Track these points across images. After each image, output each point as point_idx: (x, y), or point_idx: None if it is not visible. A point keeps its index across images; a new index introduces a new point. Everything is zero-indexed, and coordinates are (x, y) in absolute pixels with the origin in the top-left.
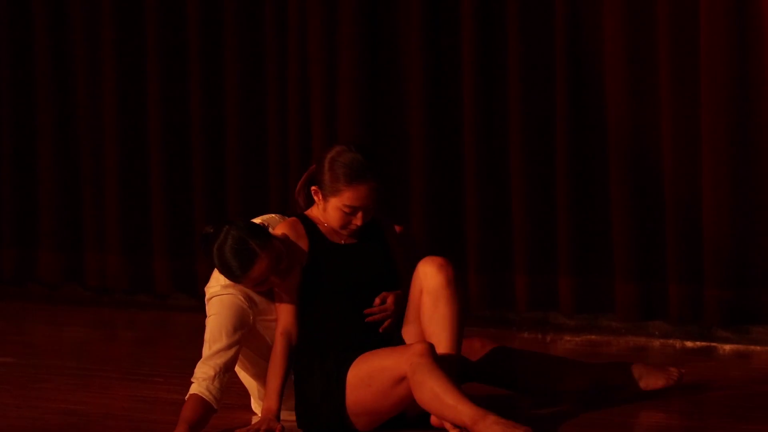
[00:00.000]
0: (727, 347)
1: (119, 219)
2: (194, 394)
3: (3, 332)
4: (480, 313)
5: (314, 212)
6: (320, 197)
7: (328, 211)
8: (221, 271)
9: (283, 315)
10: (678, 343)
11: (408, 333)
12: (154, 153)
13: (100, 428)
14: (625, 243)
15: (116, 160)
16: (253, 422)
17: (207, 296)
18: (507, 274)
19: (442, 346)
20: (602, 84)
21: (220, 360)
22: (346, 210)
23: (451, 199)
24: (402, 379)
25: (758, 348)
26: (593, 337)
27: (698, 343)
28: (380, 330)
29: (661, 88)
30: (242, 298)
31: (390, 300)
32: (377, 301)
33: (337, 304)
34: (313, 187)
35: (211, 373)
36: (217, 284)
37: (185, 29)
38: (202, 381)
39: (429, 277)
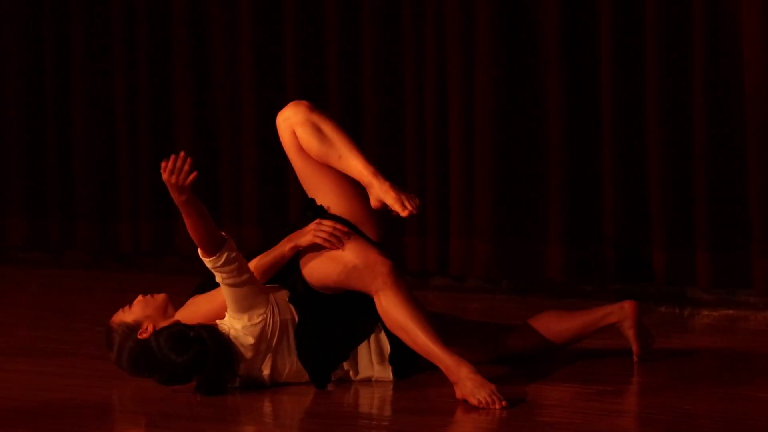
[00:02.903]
0: None
1: (256, 191)
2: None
3: None
4: (618, 287)
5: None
6: (150, 327)
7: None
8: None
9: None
10: None
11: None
12: None
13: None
14: (762, 218)
15: (253, 135)
16: None
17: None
18: (645, 249)
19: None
20: (740, 58)
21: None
22: None
23: (589, 175)
24: (365, 289)
25: None
26: (731, 311)
27: None
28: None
29: None
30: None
31: None
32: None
33: None
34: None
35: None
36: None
37: (323, 19)
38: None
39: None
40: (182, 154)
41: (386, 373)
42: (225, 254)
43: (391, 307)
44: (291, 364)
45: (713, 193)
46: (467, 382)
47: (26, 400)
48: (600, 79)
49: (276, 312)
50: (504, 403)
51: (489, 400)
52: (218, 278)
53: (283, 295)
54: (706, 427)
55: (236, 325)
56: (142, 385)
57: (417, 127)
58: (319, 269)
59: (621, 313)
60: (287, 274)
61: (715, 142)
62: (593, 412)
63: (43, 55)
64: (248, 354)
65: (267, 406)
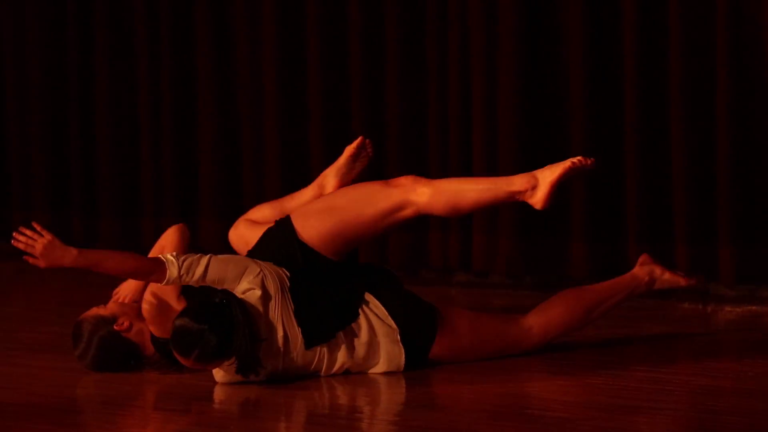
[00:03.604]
0: None
1: (279, 191)
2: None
3: None
4: None
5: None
6: (127, 323)
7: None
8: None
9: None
10: None
11: None
12: (313, 131)
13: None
14: None
15: (276, 133)
16: None
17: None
18: (668, 244)
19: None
20: (764, 52)
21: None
22: None
23: (611, 172)
24: (399, 208)
25: None
26: (754, 307)
27: None
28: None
29: None
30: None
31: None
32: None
33: None
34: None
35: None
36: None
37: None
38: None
39: None
40: (20, 229)
41: (398, 354)
42: (168, 258)
43: (435, 185)
44: (299, 336)
45: (736, 189)
46: (545, 173)
47: (50, 395)
48: (623, 75)
49: (267, 266)
50: (592, 158)
51: (578, 159)
52: (199, 279)
53: (268, 263)
54: (730, 423)
55: (240, 288)
56: (162, 381)
57: (440, 127)
58: (341, 216)
59: (644, 269)
60: (274, 243)
61: (738, 137)
62: (614, 409)
63: (67, 53)
64: (260, 308)
65: (281, 402)
